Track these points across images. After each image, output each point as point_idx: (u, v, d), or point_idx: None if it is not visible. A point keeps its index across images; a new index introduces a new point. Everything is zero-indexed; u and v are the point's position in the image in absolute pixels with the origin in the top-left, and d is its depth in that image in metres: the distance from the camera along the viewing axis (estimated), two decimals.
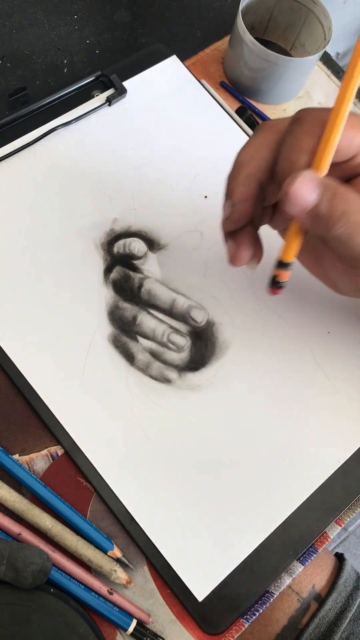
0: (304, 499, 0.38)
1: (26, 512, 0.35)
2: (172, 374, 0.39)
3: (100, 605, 0.34)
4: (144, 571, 0.36)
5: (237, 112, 0.49)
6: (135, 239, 0.42)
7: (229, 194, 0.32)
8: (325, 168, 0.29)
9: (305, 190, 0.28)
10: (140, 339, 0.40)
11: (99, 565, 0.34)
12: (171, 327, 0.40)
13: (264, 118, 0.50)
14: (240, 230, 0.33)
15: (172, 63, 0.49)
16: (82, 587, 0.34)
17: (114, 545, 0.35)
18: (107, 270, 0.41)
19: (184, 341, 0.40)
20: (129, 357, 0.39)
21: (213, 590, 0.35)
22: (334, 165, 0.29)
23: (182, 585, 0.35)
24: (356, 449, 0.39)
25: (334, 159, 0.29)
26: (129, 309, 0.40)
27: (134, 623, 0.34)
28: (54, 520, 0.35)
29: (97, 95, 0.46)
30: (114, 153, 0.45)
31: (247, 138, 0.47)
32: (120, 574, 0.34)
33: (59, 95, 0.45)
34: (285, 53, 0.52)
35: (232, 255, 0.34)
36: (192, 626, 0.35)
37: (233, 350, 0.41)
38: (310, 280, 0.43)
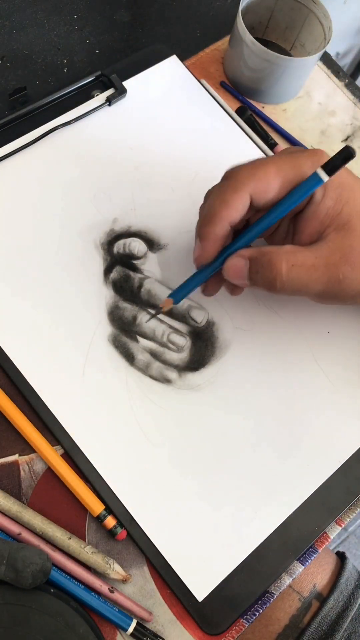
0: (304, 499, 0.38)
1: (23, 514, 0.35)
2: (172, 374, 0.39)
3: (100, 605, 0.34)
4: (144, 571, 0.36)
5: (237, 112, 0.49)
6: (135, 239, 0.42)
7: (202, 236, 0.34)
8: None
9: (234, 269, 0.34)
10: (140, 339, 0.40)
11: (94, 562, 0.34)
12: (171, 327, 0.40)
13: (264, 118, 0.50)
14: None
15: (172, 63, 0.49)
16: (82, 587, 0.34)
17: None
18: (107, 270, 0.41)
19: (183, 341, 0.40)
20: (129, 357, 0.39)
21: (213, 590, 0.35)
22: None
23: (182, 585, 0.35)
24: (356, 449, 0.39)
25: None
26: (129, 309, 0.40)
27: (133, 623, 0.34)
28: (46, 522, 0.35)
29: (97, 95, 0.46)
30: (114, 153, 0.45)
31: (246, 138, 0.47)
32: (117, 569, 0.34)
33: (59, 95, 0.45)
34: (285, 53, 0.52)
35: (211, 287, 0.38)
36: (192, 626, 0.35)
37: (233, 350, 0.41)
38: None
